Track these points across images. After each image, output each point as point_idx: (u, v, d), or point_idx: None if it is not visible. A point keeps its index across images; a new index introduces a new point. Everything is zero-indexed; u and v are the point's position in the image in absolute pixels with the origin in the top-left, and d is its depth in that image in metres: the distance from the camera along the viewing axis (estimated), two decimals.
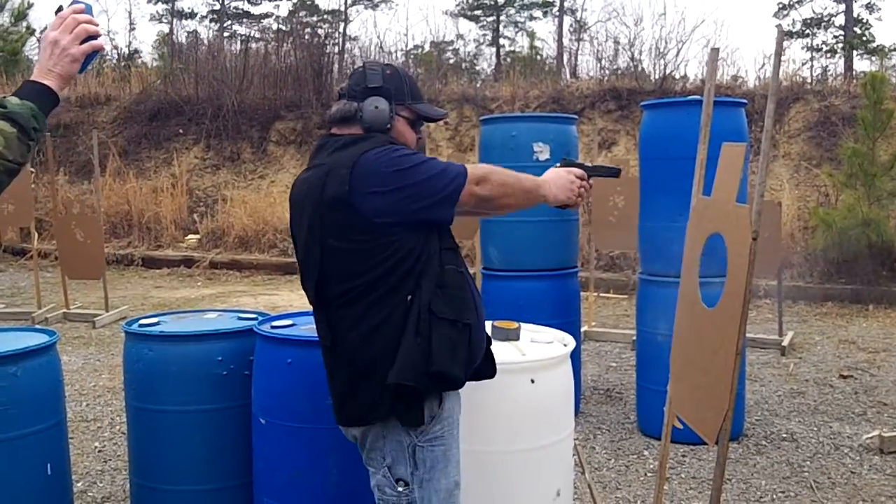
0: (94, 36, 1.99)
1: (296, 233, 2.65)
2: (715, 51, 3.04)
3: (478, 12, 30.40)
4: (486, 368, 2.70)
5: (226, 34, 28.69)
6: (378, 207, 2.41)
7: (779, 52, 2.68)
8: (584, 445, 5.30)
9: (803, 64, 25.41)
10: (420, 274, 2.46)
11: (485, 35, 30.55)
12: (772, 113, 2.59)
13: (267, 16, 32.26)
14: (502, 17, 30.35)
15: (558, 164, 2.89)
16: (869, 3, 26.65)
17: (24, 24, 20.16)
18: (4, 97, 1.87)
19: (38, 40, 2.16)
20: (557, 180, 2.81)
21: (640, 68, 16.37)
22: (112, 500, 4.51)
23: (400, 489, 2.53)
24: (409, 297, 2.45)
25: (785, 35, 2.95)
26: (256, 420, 3.45)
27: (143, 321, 3.88)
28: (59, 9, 2.00)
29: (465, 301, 2.52)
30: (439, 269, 2.50)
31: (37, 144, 1.92)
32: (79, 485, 4.63)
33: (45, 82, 1.94)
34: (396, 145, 2.51)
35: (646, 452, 5.21)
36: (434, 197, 2.45)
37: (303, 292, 2.67)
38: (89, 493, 4.59)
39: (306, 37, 18.75)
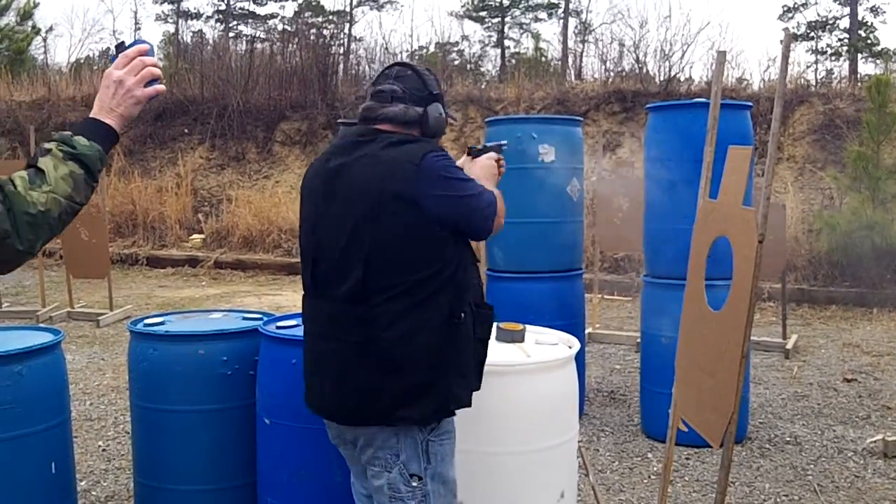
0: (157, 78, 2.02)
1: (321, 221, 2.61)
2: (722, 53, 3.04)
3: (483, 13, 30.41)
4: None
5: (231, 34, 28.74)
6: (438, 209, 2.48)
7: (786, 54, 2.68)
8: (588, 447, 5.29)
9: (808, 67, 25.40)
10: (460, 285, 2.55)
11: (490, 36, 30.56)
12: (779, 115, 2.58)
13: (272, 16, 32.30)
14: (507, 19, 30.35)
15: (468, 155, 2.99)
16: (874, 6, 26.65)
17: (30, 23, 20.19)
18: (72, 136, 1.87)
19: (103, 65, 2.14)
20: (490, 172, 2.96)
21: (644, 70, 16.37)
22: (116, 499, 4.51)
23: (414, 485, 2.56)
24: (450, 306, 2.52)
25: (791, 38, 2.94)
26: (261, 420, 3.45)
27: (148, 321, 3.88)
28: (121, 44, 2.02)
29: (491, 321, 2.72)
30: (476, 283, 2.64)
31: (97, 186, 1.92)
32: (82, 483, 4.64)
33: (108, 122, 1.94)
34: (444, 152, 2.59)
35: (649, 455, 5.21)
36: (480, 213, 2.59)
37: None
38: (93, 492, 4.59)
39: (311, 37, 18.78)
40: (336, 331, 2.56)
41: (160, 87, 2.04)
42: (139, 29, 31.80)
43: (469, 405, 2.65)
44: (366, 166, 2.52)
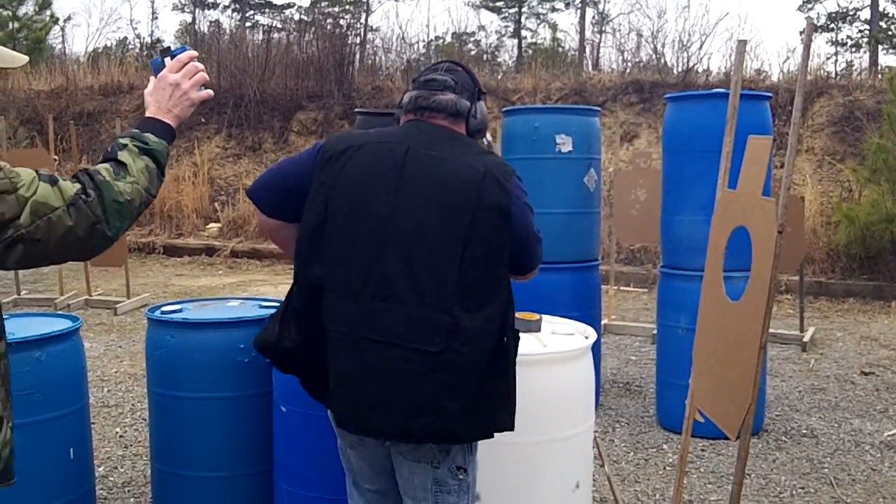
0: (205, 84, 2.17)
1: (397, 215, 2.41)
2: (742, 42, 3.02)
3: (500, 3, 30.32)
4: None
5: (248, 24, 28.78)
6: (516, 235, 2.45)
7: (808, 45, 2.66)
8: (604, 438, 5.29)
9: (828, 58, 25.21)
10: (512, 309, 2.52)
11: (507, 26, 30.48)
12: (800, 105, 2.57)
13: (289, 6, 32.30)
14: (524, 9, 30.26)
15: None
16: None
17: (48, 12, 20.26)
18: (142, 133, 2.00)
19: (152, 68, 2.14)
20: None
21: (662, 61, 16.31)
22: (133, 485, 4.54)
23: (461, 477, 2.54)
24: (502, 330, 2.46)
25: (813, 29, 2.92)
26: (277, 407, 3.46)
27: (165, 308, 3.90)
28: (167, 49, 2.17)
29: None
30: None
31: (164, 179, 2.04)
32: (100, 469, 4.67)
33: (167, 121, 2.08)
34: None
35: (665, 446, 5.20)
36: (537, 256, 2.61)
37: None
38: (110, 478, 4.62)
39: (328, 27, 18.77)
40: (410, 338, 2.36)
41: (210, 91, 2.19)
42: (156, 18, 31.85)
43: (511, 429, 2.57)
44: (457, 167, 2.43)
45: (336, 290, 2.45)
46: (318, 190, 2.50)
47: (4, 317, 1.90)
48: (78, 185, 1.82)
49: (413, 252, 2.37)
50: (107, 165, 1.90)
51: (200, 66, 2.15)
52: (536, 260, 2.59)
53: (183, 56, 2.16)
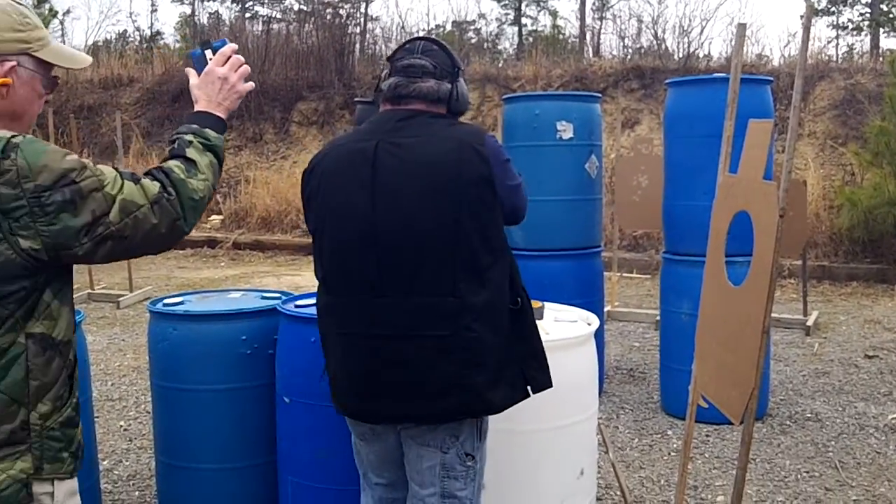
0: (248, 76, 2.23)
1: (380, 212, 2.42)
2: (742, 26, 3.00)
3: None
4: None
5: (247, 15, 28.70)
6: (504, 194, 2.48)
7: (807, 27, 2.64)
8: (608, 425, 5.29)
9: (829, 42, 25.12)
10: (515, 270, 2.55)
11: (507, 14, 30.36)
12: (800, 89, 2.55)
13: None
14: None
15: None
16: None
17: (48, 6, 20.23)
18: (200, 128, 2.06)
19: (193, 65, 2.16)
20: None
21: (663, 47, 16.27)
22: (138, 477, 4.55)
23: (469, 464, 2.57)
24: (511, 293, 2.51)
25: (813, 12, 2.90)
26: (280, 399, 3.46)
27: (167, 300, 3.90)
28: (207, 42, 2.23)
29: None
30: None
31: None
32: (105, 463, 4.67)
33: (219, 114, 2.14)
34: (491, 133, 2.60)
35: (669, 432, 5.20)
36: (525, 202, 2.64)
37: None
38: (115, 472, 4.63)
39: (328, 17, 18.71)
40: (418, 327, 2.40)
41: (252, 83, 2.25)
42: (155, 10, 31.75)
43: (550, 385, 2.61)
44: (431, 148, 2.43)
45: (340, 294, 2.52)
46: (306, 206, 2.64)
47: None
48: (158, 184, 1.87)
49: (403, 243, 2.40)
50: (178, 163, 1.95)
51: (242, 58, 2.20)
52: (525, 206, 2.65)
53: (226, 49, 2.20)
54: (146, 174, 1.91)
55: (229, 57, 2.19)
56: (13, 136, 1.75)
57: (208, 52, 2.24)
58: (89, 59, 2.08)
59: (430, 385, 2.42)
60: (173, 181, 1.90)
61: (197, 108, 2.16)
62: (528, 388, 2.56)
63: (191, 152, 1.99)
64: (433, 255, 2.38)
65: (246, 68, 2.21)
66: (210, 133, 2.06)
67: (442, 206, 2.38)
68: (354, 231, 2.46)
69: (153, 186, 1.86)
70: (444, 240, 2.38)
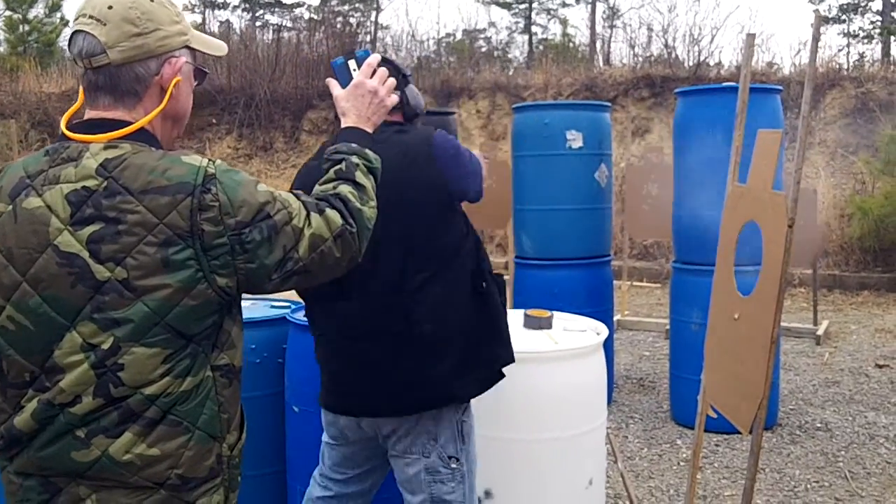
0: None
1: None
2: (751, 36, 3.00)
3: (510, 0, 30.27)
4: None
5: (258, 24, 28.80)
6: (458, 185, 2.56)
7: (816, 37, 2.64)
8: (617, 434, 5.28)
9: (839, 50, 25.05)
10: (476, 255, 2.61)
11: (517, 22, 30.38)
12: (809, 98, 2.55)
13: (299, 5, 32.30)
14: (534, 4, 30.17)
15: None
16: None
17: (59, 15, 20.35)
18: (361, 148, 1.95)
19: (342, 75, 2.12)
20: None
21: (673, 55, 16.24)
22: None
23: (454, 466, 2.61)
24: (472, 279, 2.58)
25: (822, 21, 2.89)
26: (289, 408, 3.46)
27: None
28: (351, 52, 2.21)
29: (504, 286, 2.75)
30: (484, 251, 2.67)
31: None
32: None
33: (368, 130, 2.05)
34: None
35: (679, 441, 5.19)
36: (479, 178, 2.66)
37: None
38: None
39: (338, 25, 18.78)
40: (375, 326, 2.52)
41: (396, 97, 2.18)
42: None
43: (513, 360, 2.72)
44: (381, 155, 2.51)
45: (318, 299, 2.64)
46: None
47: None
48: (339, 215, 1.76)
49: (372, 246, 2.47)
50: (351, 189, 1.84)
51: (386, 70, 2.13)
52: (480, 184, 2.67)
53: (372, 60, 2.12)
54: (322, 200, 1.78)
55: (375, 68, 2.12)
56: (207, 165, 1.64)
57: (352, 63, 2.19)
58: (226, 46, 1.96)
59: (394, 381, 2.53)
60: (351, 211, 1.79)
61: (346, 122, 2.07)
62: (501, 371, 2.68)
63: (359, 177, 1.88)
64: (387, 256, 2.47)
65: (392, 81, 2.14)
66: (370, 154, 1.95)
67: (391, 211, 2.40)
68: None
69: (337, 219, 1.75)
70: (392, 242, 2.45)
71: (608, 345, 3.64)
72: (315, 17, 24.79)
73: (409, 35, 27.99)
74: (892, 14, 24.99)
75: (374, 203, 1.88)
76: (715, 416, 3.02)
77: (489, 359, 2.64)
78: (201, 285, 1.60)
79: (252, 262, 1.64)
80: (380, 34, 22.31)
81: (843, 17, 27.30)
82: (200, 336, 1.65)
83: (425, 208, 2.50)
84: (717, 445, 5.06)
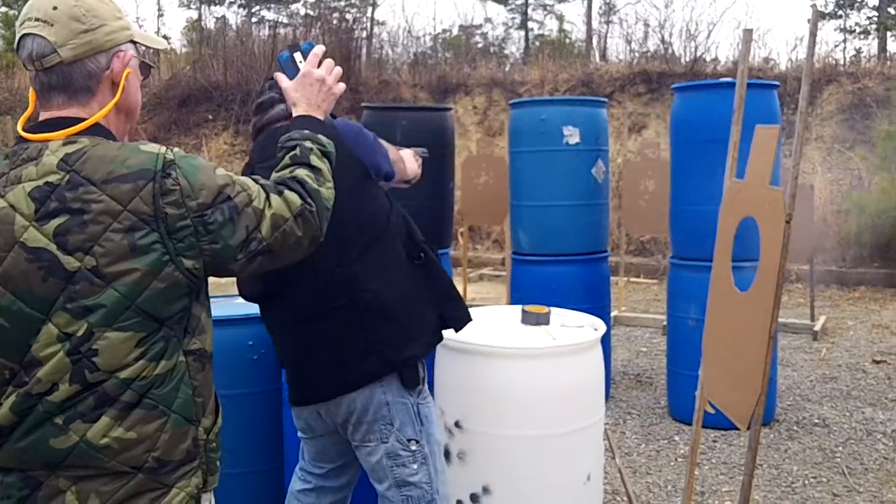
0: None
1: None
2: (748, 31, 3.00)
3: None
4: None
5: (254, 20, 28.75)
6: (367, 158, 2.66)
7: (813, 32, 2.64)
8: (615, 430, 5.29)
9: (836, 46, 25.05)
10: (404, 229, 2.72)
11: (513, 18, 30.37)
12: (806, 94, 2.55)
13: (295, 1, 32.28)
14: (531, 0, 30.18)
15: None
16: None
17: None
18: (313, 134, 2.05)
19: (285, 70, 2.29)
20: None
21: (670, 51, 16.24)
22: None
23: (413, 448, 2.67)
24: (406, 250, 2.69)
25: (819, 16, 2.89)
26: (287, 404, 3.46)
27: None
28: (296, 46, 2.28)
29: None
30: (414, 225, 2.78)
31: None
32: None
33: (319, 117, 2.18)
34: None
35: (676, 437, 5.19)
36: (386, 156, 2.78)
37: None
38: None
39: (334, 22, 18.74)
40: (323, 303, 2.61)
41: (343, 85, 2.29)
42: (162, 15, 31.84)
43: (470, 319, 2.82)
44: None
45: (267, 298, 2.77)
46: None
47: None
48: (298, 196, 1.84)
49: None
50: (307, 172, 1.92)
51: (331, 60, 2.24)
52: (390, 164, 2.77)
53: (317, 50, 2.23)
54: (280, 184, 1.87)
55: (321, 59, 2.22)
56: (166, 152, 1.70)
57: (297, 55, 2.26)
58: (165, 42, 2.06)
59: (348, 353, 2.60)
60: (309, 192, 1.87)
61: (297, 112, 2.18)
62: (451, 328, 2.79)
63: (314, 160, 1.97)
64: (334, 231, 2.55)
65: (339, 70, 2.25)
66: (323, 139, 2.04)
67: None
68: None
69: (296, 199, 1.83)
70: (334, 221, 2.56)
71: (605, 341, 3.64)
72: (311, 13, 24.74)
73: (405, 31, 28.02)
74: (889, 9, 24.99)
75: (330, 184, 1.97)
76: (713, 411, 3.02)
77: (440, 319, 2.74)
78: (168, 268, 1.65)
79: (216, 242, 1.70)
80: (376, 30, 22.27)
81: (840, 12, 27.30)
82: (172, 320, 1.69)
83: (341, 182, 2.53)
84: (714, 441, 5.06)
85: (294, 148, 1.99)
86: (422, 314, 2.70)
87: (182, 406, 1.73)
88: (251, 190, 1.77)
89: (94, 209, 1.61)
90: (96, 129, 1.73)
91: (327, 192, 1.94)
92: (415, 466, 2.67)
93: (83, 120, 1.72)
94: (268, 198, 1.79)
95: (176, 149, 1.73)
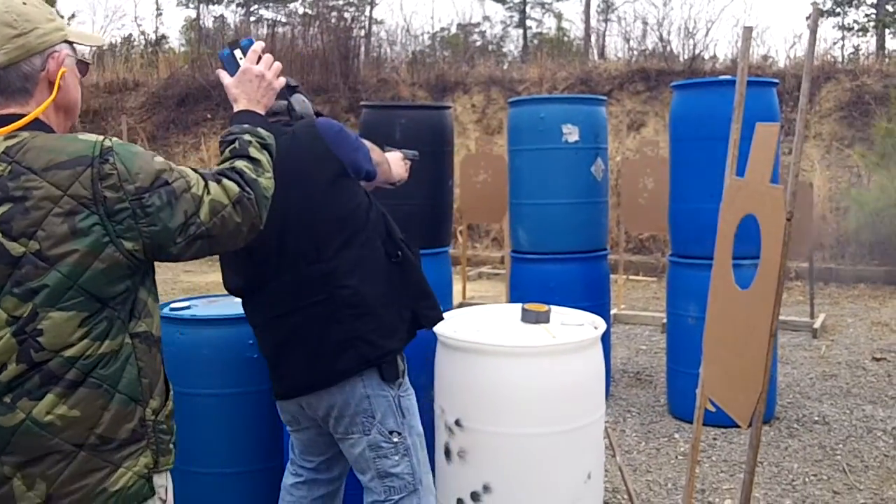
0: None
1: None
2: (748, 29, 2.99)
3: None
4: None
5: (252, 19, 28.74)
6: (345, 156, 2.70)
7: (814, 30, 2.63)
8: (615, 428, 5.28)
9: (834, 43, 25.04)
10: (382, 227, 2.76)
11: (511, 16, 30.35)
12: (806, 91, 2.54)
13: None
14: None
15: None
16: None
17: (55, 9, 20.27)
18: (253, 127, 2.11)
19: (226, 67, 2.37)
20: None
21: (668, 49, 16.23)
22: None
23: (395, 440, 2.71)
24: (384, 248, 2.74)
25: (819, 14, 2.89)
26: None
27: (174, 305, 3.89)
28: (235, 42, 2.33)
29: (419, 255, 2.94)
30: (394, 224, 2.83)
31: None
32: None
33: (259, 112, 2.23)
34: None
35: (676, 435, 5.19)
36: (367, 155, 2.81)
37: None
38: None
39: (333, 20, 18.71)
40: (302, 298, 2.65)
41: (284, 79, 2.35)
42: (160, 14, 31.80)
43: (442, 318, 2.91)
44: (280, 147, 2.69)
45: (250, 293, 2.82)
46: None
47: None
48: (236, 185, 1.90)
49: (272, 239, 2.62)
50: (245, 163, 1.99)
51: (270, 55, 2.29)
52: (370, 162, 2.81)
53: (256, 47, 2.28)
54: (219, 173, 1.93)
55: (261, 54, 2.27)
56: (104, 140, 1.76)
57: (237, 52, 2.29)
58: (102, 38, 2.16)
59: (326, 347, 2.65)
60: (247, 181, 1.93)
61: (238, 107, 2.22)
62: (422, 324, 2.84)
63: (253, 152, 2.02)
64: (297, 231, 2.64)
65: (279, 64, 2.30)
66: (262, 132, 2.10)
67: (290, 189, 2.59)
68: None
69: (234, 187, 1.89)
70: (300, 215, 2.63)
71: (605, 339, 3.63)
72: (310, 12, 24.72)
73: (403, 29, 28.01)
74: (887, 6, 24.99)
75: (270, 175, 2.03)
76: (713, 409, 3.01)
77: (414, 316, 2.78)
78: (108, 249, 1.72)
79: (155, 224, 1.76)
80: (374, 29, 22.26)
81: (838, 9, 27.30)
82: (115, 301, 1.76)
83: (319, 177, 2.66)
84: (714, 439, 5.06)
85: (233, 142, 2.05)
86: (398, 310, 2.74)
87: (127, 386, 1.79)
88: (189, 177, 1.83)
89: (35, 195, 1.68)
90: (36, 125, 1.78)
91: (266, 181, 1.99)
92: (396, 458, 2.72)
93: (23, 117, 1.78)
94: (206, 185, 1.85)
95: (115, 138, 1.80)
